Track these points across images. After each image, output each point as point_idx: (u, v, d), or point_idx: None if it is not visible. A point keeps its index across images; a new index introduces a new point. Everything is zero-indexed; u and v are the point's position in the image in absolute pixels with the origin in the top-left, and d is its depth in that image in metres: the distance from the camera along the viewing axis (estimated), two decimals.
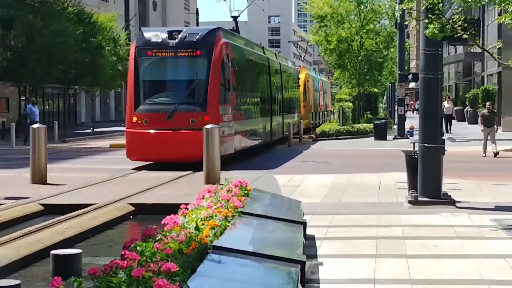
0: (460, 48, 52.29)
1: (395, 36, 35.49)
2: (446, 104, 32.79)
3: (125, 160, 22.03)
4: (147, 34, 20.25)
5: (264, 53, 27.91)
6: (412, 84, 76.66)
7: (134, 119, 19.53)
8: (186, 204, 6.97)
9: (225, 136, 19.38)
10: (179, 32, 20.05)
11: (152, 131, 19.20)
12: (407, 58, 54.21)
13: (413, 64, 77.28)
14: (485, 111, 22.97)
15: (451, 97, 35.47)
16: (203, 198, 7.46)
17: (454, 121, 29.78)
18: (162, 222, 5.97)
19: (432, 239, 8.91)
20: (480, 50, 40.91)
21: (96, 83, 42.23)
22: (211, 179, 14.05)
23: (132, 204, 11.93)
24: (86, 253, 7.72)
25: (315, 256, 8.00)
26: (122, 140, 32.84)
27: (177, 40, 19.75)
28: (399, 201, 12.12)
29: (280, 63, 30.84)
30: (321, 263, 7.67)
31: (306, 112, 38.29)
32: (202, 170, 14.72)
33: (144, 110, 19.49)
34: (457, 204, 11.56)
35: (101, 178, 16.06)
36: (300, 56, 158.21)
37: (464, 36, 11.20)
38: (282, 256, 5.60)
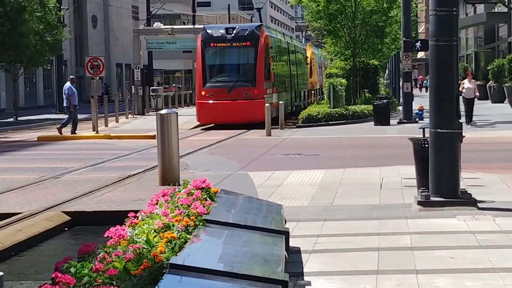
0: (480, 8, 52.68)
1: None
2: (467, 84, 28.16)
3: (57, 157, 21.97)
4: (209, 31, 34.48)
5: (284, 37, 43.45)
6: (421, 54, 77.33)
7: (203, 93, 33.35)
8: (136, 212, 6.96)
9: (270, 104, 31.62)
10: (233, 28, 34.44)
11: (217, 101, 32.76)
12: (414, 21, 54.46)
13: (422, 28, 77.71)
14: None
15: (472, 74, 31.23)
16: (156, 204, 7.44)
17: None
18: (105, 235, 5.95)
19: (448, 250, 8.97)
20: (506, 9, 41.26)
21: (18, 59, 41.77)
22: (167, 180, 14.04)
23: (67, 213, 11.90)
24: (8, 276, 7.66)
25: (300, 274, 8.01)
26: (53, 131, 32.81)
27: (232, 35, 33.56)
28: (406, 202, 12.19)
29: (295, 45, 46.51)
30: (309, 283, 7.69)
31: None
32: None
33: (210, 86, 33.30)
34: (479, 205, 11.64)
35: (28, 180, 15.98)
36: (276, 20, 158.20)
37: None
38: (258, 276, 5.60)
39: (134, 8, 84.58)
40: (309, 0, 37.02)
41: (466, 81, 28.13)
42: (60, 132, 29.38)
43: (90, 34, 74.82)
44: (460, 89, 26.57)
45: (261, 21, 47.52)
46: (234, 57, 34.28)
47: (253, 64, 33.46)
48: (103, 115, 33.81)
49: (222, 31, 34.07)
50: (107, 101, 35.83)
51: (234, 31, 33.80)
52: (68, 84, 30.15)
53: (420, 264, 8.34)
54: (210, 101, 32.98)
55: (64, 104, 30.67)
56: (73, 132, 29.54)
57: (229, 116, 32.26)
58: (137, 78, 46.26)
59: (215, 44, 33.74)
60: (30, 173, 17.38)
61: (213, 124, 33.32)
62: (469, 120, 27.59)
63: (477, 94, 28.36)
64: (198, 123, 35.29)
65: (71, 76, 32.60)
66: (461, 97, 26.56)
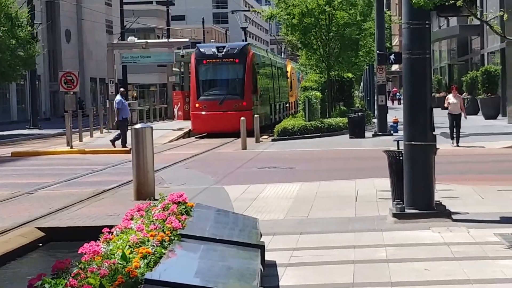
0: (453, 20, 53.13)
1: (373, 6, 35.73)
2: (451, 99, 25.77)
3: (31, 172, 21.86)
4: (202, 49, 38.53)
5: (267, 54, 48.94)
6: (395, 67, 77.79)
7: (197, 105, 37.05)
8: (110, 227, 6.94)
9: (257, 115, 33.78)
10: (224, 47, 38.39)
11: (209, 112, 36.44)
12: (389, 33, 54.76)
13: (396, 41, 78.20)
14: None
15: (457, 89, 27.81)
16: (131, 219, 7.42)
17: (444, 112, 26.85)
18: (79, 251, 5.93)
19: (423, 262, 9.02)
20: (478, 22, 41.61)
21: None
22: (142, 194, 14.01)
23: (41, 229, 11.84)
24: None
25: None
26: (27, 147, 32.63)
27: (223, 53, 37.45)
28: (382, 215, 12.24)
29: (277, 61, 51.08)
30: None
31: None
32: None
33: (204, 99, 37.05)
34: (454, 216, 11.72)
35: (1, 196, 15.90)
36: (252, 34, 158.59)
37: (458, 3, 11.32)
38: None
39: (108, 22, 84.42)
40: (284, 13, 36.99)
41: (450, 96, 25.91)
42: (114, 146, 28.97)
43: (63, 48, 74.57)
44: (446, 105, 26.04)
45: (246, 40, 51.75)
46: (225, 73, 37.91)
47: (241, 79, 37.37)
48: (77, 130, 33.66)
49: (214, 49, 38.19)
50: (82, 115, 35.68)
51: (224, 50, 37.88)
52: (118, 97, 29.93)
53: (395, 276, 8.38)
54: (203, 113, 36.74)
55: (116, 118, 30.00)
56: (124, 145, 28.64)
57: (220, 126, 35.51)
58: (112, 93, 46.13)
59: (208, 61, 37.64)
60: (4, 189, 17.27)
61: (205, 134, 36.56)
62: (457, 139, 25.24)
63: (464, 111, 25.70)
64: (173, 137, 35.56)
65: (121, 89, 32.68)
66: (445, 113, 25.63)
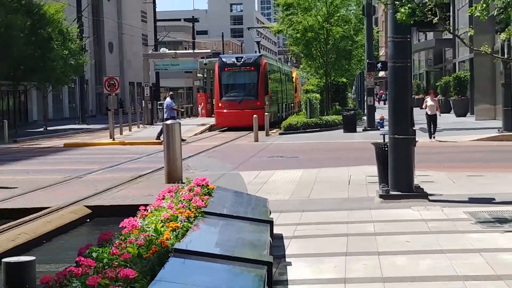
0: (430, 35, 52.86)
1: (364, 23, 35.59)
2: (429, 101, 25.37)
3: (80, 160, 21.93)
4: (224, 59, 39.47)
5: (277, 63, 50.13)
6: (382, 73, 77.42)
7: (220, 104, 38.01)
8: (146, 206, 6.95)
9: (267, 113, 35.01)
10: (242, 57, 39.33)
11: (230, 111, 37.36)
12: (376, 45, 54.55)
13: (382, 51, 77.84)
14: None
15: (434, 93, 27.43)
16: (163, 199, 7.43)
17: (422, 111, 26.75)
18: (120, 225, 5.93)
19: (405, 235, 9.00)
20: (451, 36, 41.39)
21: (47, 79, 41.64)
22: (172, 179, 14.04)
23: (88, 207, 11.88)
24: (40, 260, 7.63)
25: (283, 256, 8.02)
26: (77, 139, 32.71)
27: (241, 62, 38.49)
28: (370, 196, 12.21)
29: (284, 69, 51.66)
30: (290, 263, 7.69)
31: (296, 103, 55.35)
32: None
33: (225, 100, 38.01)
34: (430, 197, 11.68)
35: (55, 179, 15.93)
36: (263, 46, 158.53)
37: (434, 20, 11.26)
38: (247, 258, 5.60)
39: (144, 36, 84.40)
40: (289, 29, 37.08)
41: (428, 99, 25.53)
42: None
43: (107, 58, 74.60)
44: (424, 107, 25.77)
45: (259, 51, 52.62)
46: (242, 78, 38.59)
47: (256, 83, 38.07)
48: (119, 125, 33.72)
49: (233, 59, 39.06)
50: (122, 113, 35.72)
51: (242, 59, 38.76)
52: (169, 99, 30.18)
53: (381, 247, 8.36)
54: (225, 110, 37.57)
55: (165, 116, 29.10)
56: (158, 138, 27.94)
57: (239, 121, 36.18)
58: (147, 94, 46.16)
59: (229, 69, 38.38)
60: (58, 174, 17.31)
61: (226, 128, 37.18)
62: (433, 133, 25.06)
63: (438, 110, 25.77)
64: (198, 131, 35.63)
65: (171, 93, 33.44)
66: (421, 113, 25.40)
